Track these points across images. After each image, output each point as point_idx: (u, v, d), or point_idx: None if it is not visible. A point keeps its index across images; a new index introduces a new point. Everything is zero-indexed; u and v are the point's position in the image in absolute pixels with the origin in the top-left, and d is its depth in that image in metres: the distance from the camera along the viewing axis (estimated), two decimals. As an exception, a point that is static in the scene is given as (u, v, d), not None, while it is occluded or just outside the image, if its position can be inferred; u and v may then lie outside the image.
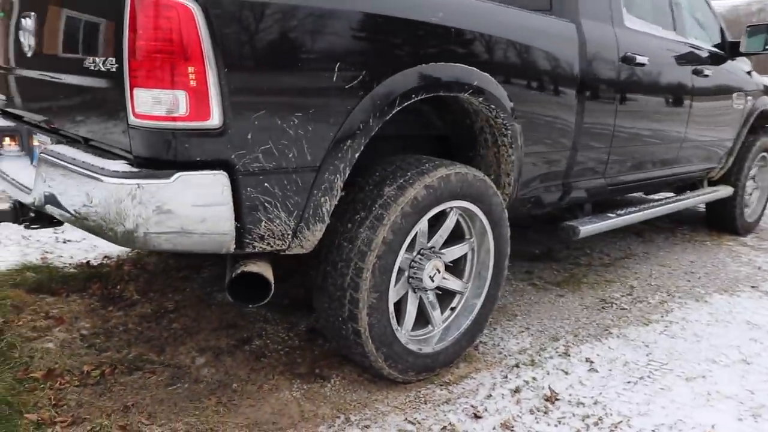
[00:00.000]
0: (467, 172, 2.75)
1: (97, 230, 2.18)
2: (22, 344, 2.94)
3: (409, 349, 2.74)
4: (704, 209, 6.11)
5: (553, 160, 3.42)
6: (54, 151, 2.40)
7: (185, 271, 4.05)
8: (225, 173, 2.10)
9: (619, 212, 4.11)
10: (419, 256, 2.77)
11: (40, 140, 2.84)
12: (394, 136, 3.14)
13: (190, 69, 2.00)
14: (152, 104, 2.04)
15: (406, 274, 2.76)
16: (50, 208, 2.47)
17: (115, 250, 4.39)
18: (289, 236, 2.33)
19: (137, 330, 3.23)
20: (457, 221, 2.92)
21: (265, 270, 2.38)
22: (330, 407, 2.61)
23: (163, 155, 2.08)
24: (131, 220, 2.06)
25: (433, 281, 2.81)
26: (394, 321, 2.67)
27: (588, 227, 3.71)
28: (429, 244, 2.81)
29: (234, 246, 2.21)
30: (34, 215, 2.89)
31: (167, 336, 3.17)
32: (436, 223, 2.85)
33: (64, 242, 4.54)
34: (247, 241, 2.24)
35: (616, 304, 3.89)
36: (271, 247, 2.32)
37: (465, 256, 3.03)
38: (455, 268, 3.02)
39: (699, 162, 5.06)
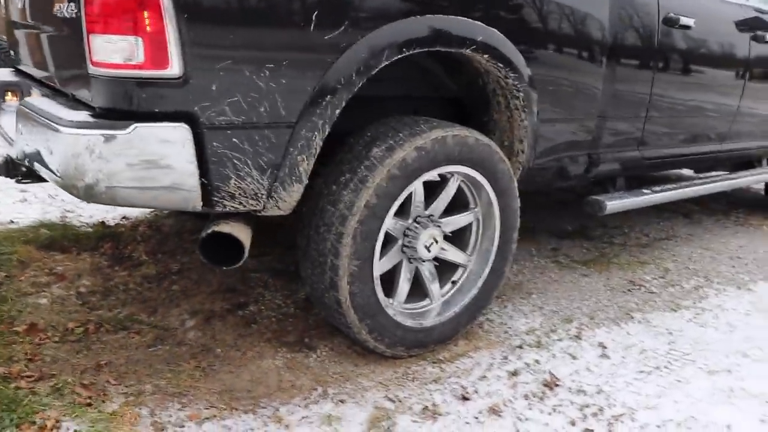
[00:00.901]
0: (467, 135, 2.55)
1: (63, 185, 2.09)
2: (16, 299, 2.93)
3: (397, 322, 2.58)
4: (765, 191, 5.68)
5: (576, 128, 3.17)
6: (29, 103, 2.33)
7: (199, 233, 3.98)
8: (187, 126, 1.98)
9: (655, 189, 3.80)
10: (415, 223, 2.60)
11: (34, 95, 2.79)
12: (401, 96, 2.96)
13: (146, 14, 1.87)
14: (109, 51, 1.93)
15: (400, 242, 2.59)
16: (28, 162, 2.41)
17: (133, 211, 4.37)
18: (264, 196, 2.20)
19: (136, 290, 3.18)
20: (461, 190, 2.73)
21: (239, 231, 2.26)
22: (310, 378, 2.49)
23: (122, 105, 1.97)
24: (90, 175, 1.96)
25: (429, 251, 2.63)
26: (380, 291, 2.51)
27: (616, 203, 3.44)
28: (427, 212, 2.63)
29: (201, 203, 2.10)
30: (25, 170, 2.85)
31: (164, 297, 3.10)
32: (436, 189, 2.68)
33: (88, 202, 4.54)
34: (216, 199, 2.12)
35: (644, 287, 3.62)
36: (244, 206, 2.19)
37: (469, 226, 2.84)
38: (459, 239, 2.83)
39: (757, 138, 4.66)
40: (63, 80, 2.46)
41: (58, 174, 2.05)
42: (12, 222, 3.96)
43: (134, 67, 1.91)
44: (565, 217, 4.70)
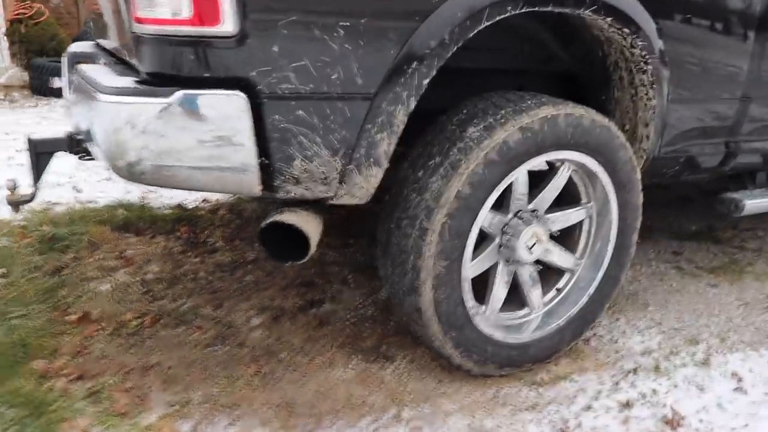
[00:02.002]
0: (583, 114, 2.11)
1: (107, 163, 1.83)
2: (78, 283, 2.73)
3: (488, 336, 2.19)
4: None
5: (713, 112, 2.65)
6: (81, 70, 2.09)
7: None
8: (243, 94, 1.66)
9: (805, 188, 3.20)
10: (516, 219, 2.19)
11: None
12: (504, 70, 2.55)
13: (193, -45, 1.57)
14: (152, 3, 1.63)
15: (497, 241, 2.19)
16: (80, 135, 2.18)
17: (216, 195, 4.15)
18: (335, 181, 1.86)
19: (206, 279, 2.93)
20: (571, 180, 2.30)
21: (306, 222, 1.93)
22: (384, 395, 2.14)
23: (169, 70, 1.69)
24: (131, 150, 1.68)
25: (531, 253, 2.22)
26: (469, 298, 2.12)
27: (757, 202, 2.89)
28: (530, 207, 2.22)
29: (260, 187, 1.78)
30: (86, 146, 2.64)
31: (234, 289, 2.84)
32: (542, 180, 2.26)
33: (172, 182, 4.37)
34: (278, 183, 1.79)
35: (788, 303, 3.05)
36: (312, 193, 1.86)
37: (580, 225, 2.40)
38: (566, 239, 2.40)
39: None
40: (122, 46, 2.21)
41: (101, 149, 1.79)
42: (92, 201, 3.82)
43: (181, 22, 1.62)
44: (689, 216, 4.12)
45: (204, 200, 4.03)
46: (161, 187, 1.80)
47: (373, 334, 2.51)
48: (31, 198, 2.57)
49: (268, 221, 1.90)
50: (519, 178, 2.11)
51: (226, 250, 3.27)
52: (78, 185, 4.08)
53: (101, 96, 1.69)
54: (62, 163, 4.45)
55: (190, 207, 3.87)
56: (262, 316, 2.59)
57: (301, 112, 1.73)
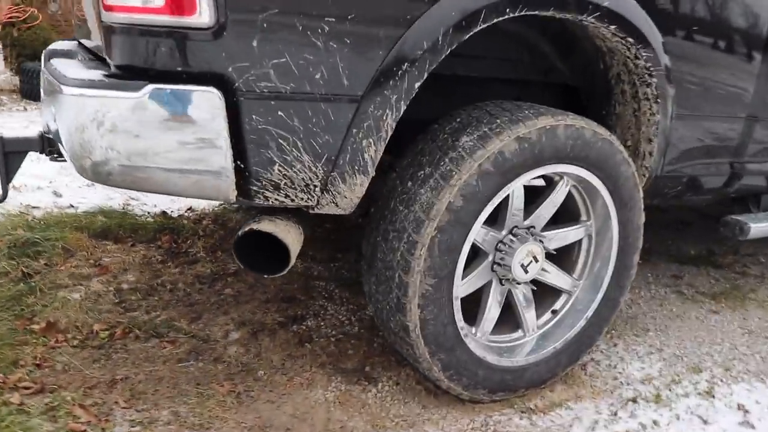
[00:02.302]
0: (584, 126, 1.99)
1: (72, 162, 1.70)
2: (47, 291, 2.59)
3: (479, 358, 2.05)
4: None
5: (718, 132, 2.53)
6: (50, 64, 1.96)
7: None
8: (218, 91, 1.54)
9: (810, 212, 3.08)
10: (510, 236, 2.06)
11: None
12: (500, 80, 2.44)
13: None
14: (122, -11, 1.51)
15: (490, 258, 2.06)
16: (49, 133, 2.05)
17: (199, 203, 4.01)
18: (317, 189, 1.73)
19: (184, 291, 2.79)
20: (570, 196, 2.18)
21: (286, 232, 1.80)
22: (365, 420, 2.00)
23: (139, 62, 1.56)
24: (95, 148, 1.55)
25: (526, 272, 2.09)
26: (459, 319, 1.99)
27: (762, 226, 2.76)
28: (526, 223, 2.09)
29: (235, 193, 1.65)
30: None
31: (213, 302, 2.69)
32: (539, 196, 2.14)
33: (157, 190, 4.23)
34: (255, 189, 1.66)
35: (793, 332, 2.92)
36: (291, 200, 1.73)
37: (578, 244, 2.27)
38: (564, 258, 2.27)
39: None
40: (101, 41, 2.08)
41: (66, 147, 1.66)
42: (71, 206, 3.68)
43: (153, 11, 1.49)
44: (687, 239, 4.00)
45: (189, 209, 3.89)
46: (129, 189, 1.67)
47: (356, 353, 2.36)
48: (2, 199, 2.43)
49: (244, 229, 1.77)
50: (515, 191, 1.98)
51: (207, 261, 3.13)
52: (58, 190, 3.94)
53: (65, 89, 1.57)
54: (43, 166, 4.34)
55: (174, 216, 3.73)
56: (241, 331, 2.45)
57: (281, 113, 1.61)
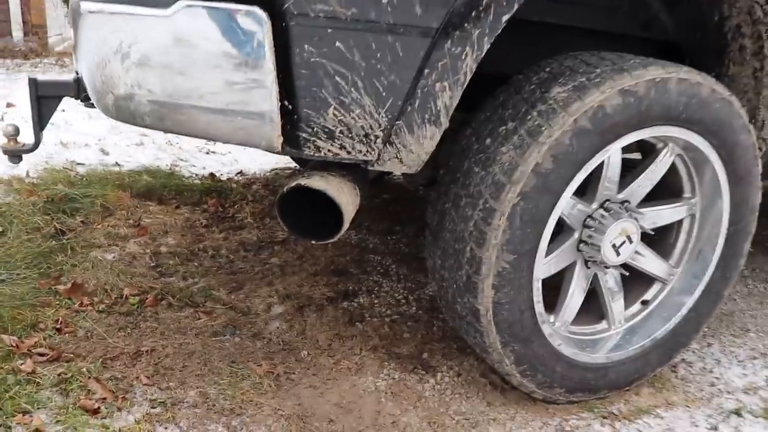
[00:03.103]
0: (700, 82, 1.65)
1: (93, 96, 1.46)
2: (80, 250, 2.38)
3: (557, 352, 1.75)
4: None
5: None
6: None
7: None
8: (263, 12, 1.26)
9: None
10: (602, 210, 1.74)
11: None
12: (592, 34, 2.11)
13: None
14: None
15: (576, 235, 1.75)
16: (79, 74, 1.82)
17: (251, 165, 3.79)
18: (379, 140, 1.44)
19: (227, 258, 2.56)
20: (674, 168, 1.84)
21: (338, 190, 1.52)
22: (420, 416, 1.72)
23: (172, -26, 1.29)
24: (118, 79, 1.30)
25: (618, 254, 1.77)
26: (539, 304, 1.69)
27: None
28: (620, 196, 1.77)
29: (281, 140, 1.38)
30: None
31: (257, 272, 2.45)
32: (636, 163, 1.82)
33: (207, 153, 4.03)
34: (305, 136, 1.39)
35: None
36: (348, 152, 1.45)
37: (678, 224, 1.94)
38: (659, 240, 1.94)
39: None
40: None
41: (86, 79, 1.42)
42: (117, 165, 3.50)
43: None
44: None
45: (239, 172, 3.68)
46: (156, 129, 1.42)
47: (413, 337, 2.09)
48: (33, 148, 2.22)
49: (290, 185, 1.50)
50: (612, 156, 1.66)
51: (254, 227, 2.89)
52: (106, 148, 3.76)
53: (83, 5, 1.32)
54: (93, 124, 4.19)
55: (223, 179, 3.51)
56: (285, 305, 2.20)
57: (339, 44, 1.32)
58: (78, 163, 3.43)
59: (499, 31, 1.42)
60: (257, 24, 1.25)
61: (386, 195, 3.36)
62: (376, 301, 2.29)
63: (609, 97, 1.52)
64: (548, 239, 1.62)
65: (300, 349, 1.96)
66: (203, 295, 2.19)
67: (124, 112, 1.34)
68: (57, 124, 4.17)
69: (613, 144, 1.60)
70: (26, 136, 2.07)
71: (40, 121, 2.20)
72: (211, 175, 3.50)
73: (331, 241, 1.54)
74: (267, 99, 1.31)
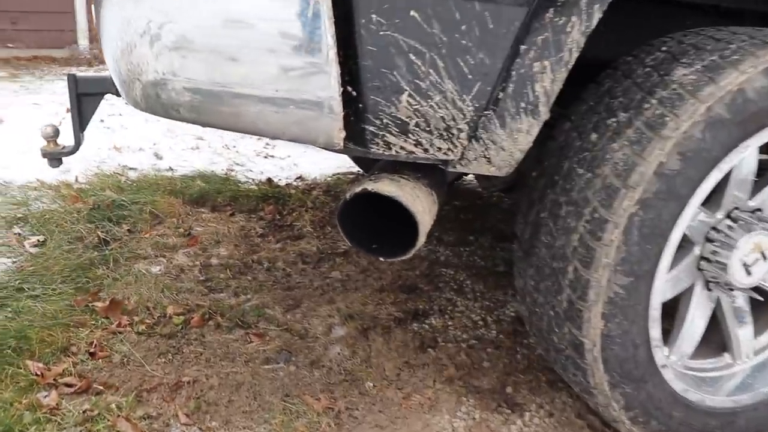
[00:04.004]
0: None
1: (120, 86, 1.24)
2: (123, 261, 2.18)
3: (674, 394, 1.43)
4: None
5: None
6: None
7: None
8: (322, -25, 1.00)
9: None
10: (728, 220, 1.42)
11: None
12: (713, 7, 1.79)
13: None
14: None
15: (696, 251, 1.43)
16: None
17: (313, 170, 3.56)
18: (462, 135, 1.17)
19: (283, 271, 2.32)
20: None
21: (413, 197, 1.25)
22: (508, 468, 1.43)
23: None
24: (146, 60, 1.07)
25: (749, 274, 1.44)
26: (656, 337, 1.38)
27: None
28: (752, 203, 1.44)
29: (342, 135, 1.12)
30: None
31: (316, 287, 2.21)
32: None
33: (265, 157, 3.83)
34: (373, 129, 1.13)
35: None
36: (425, 150, 1.18)
37: (820, 238, 1.59)
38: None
39: None
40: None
41: (110, 65, 1.20)
42: (170, 169, 3.32)
43: None
44: None
45: (299, 177, 3.45)
46: (190, 123, 1.18)
47: (494, 366, 1.80)
48: (73, 150, 2.04)
49: (355, 190, 1.24)
50: (748, 154, 1.34)
51: (313, 237, 2.65)
52: (160, 152, 3.59)
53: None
54: (149, 128, 4.05)
55: (281, 184, 3.29)
56: (347, 327, 1.94)
57: (414, 13, 1.06)
58: (130, 168, 3.27)
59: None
60: (313, -9, 1.00)
61: (457, 201, 3.07)
62: (450, 323, 2.01)
63: (751, 78, 1.21)
64: (671, 257, 1.31)
65: (364, 380, 1.70)
66: (255, 314, 1.96)
67: (152, 101, 1.11)
68: (112, 128, 4.05)
69: (754, 137, 1.28)
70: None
71: (81, 120, 2.02)
72: (269, 180, 3.29)
73: (403, 258, 1.28)
74: (325, 83, 1.06)
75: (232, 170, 3.45)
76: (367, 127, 1.13)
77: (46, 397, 1.43)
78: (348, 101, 1.10)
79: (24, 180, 2.95)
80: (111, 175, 3.05)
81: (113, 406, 1.43)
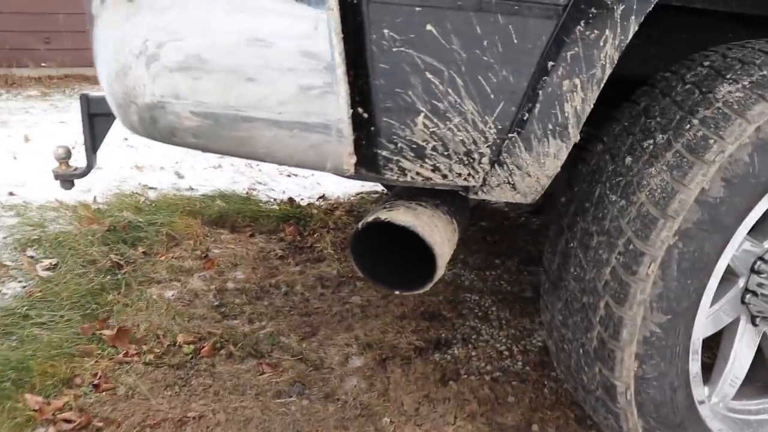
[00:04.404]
0: None
1: (115, 108, 1.17)
2: (138, 285, 2.12)
3: (719, 441, 1.32)
4: None
5: None
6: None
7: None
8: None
9: None
10: (776, 252, 1.31)
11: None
12: (734, 20, 1.68)
13: None
14: None
15: (741, 283, 1.32)
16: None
17: (335, 189, 3.49)
18: (484, 159, 1.08)
19: (302, 296, 2.23)
20: None
21: (430, 226, 1.16)
22: None
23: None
24: (144, 83, 1.00)
25: (799, 309, 1.32)
26: (697, 379, 1.26)
27: None
28: (801, 232, 1.33)
29: (353, 160, 1.03)
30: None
31: (335, 313, 2.12)
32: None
33: (288, 176, 3.76)
34: (386, 154, 1.04)
35: None
36: (443, 176, 1.09)
37: None
38: None
39: None
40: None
41: (103, 84, 1.13)
42: (191, 189, 3.27)
43: None
44: None
45: (321, 197, 3.37)
46: (182, 146, 1.10)
47: (519, 401, 1.69)
48: (85, 172, 1.98)
49: (368, 219, 1.15)
50: (799, 179, 1.23)
51: (334, 259, 2.56)
52: (181, 171, 3.55)
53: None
54: (170, 146, 4.01)
55: (303, 204, 3.21)
56: (364, 357, 1.85)
57: (430, 27, 0.97)
58: (150, 188, 3.22)
59: (652, 6, 1.04)
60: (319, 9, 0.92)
61: (483, 222, 2.97)
62: (473, 354, 1.90)
63: (806, 95, 1.10)
64: (713, 293, 1.20)
65: (381, 415, 1.60)
66: (270, 342, 1.87)
67: (144, 122, 1.04)
68: (136, 146, 4.02)
69: (807, 161, 1.17)
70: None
71: (93, 141, 1.97)
72: (290, 200, 3.21)
73: (420, 291, 1.18)
74: (333, 105, 0.97)
75: (253, 189, 3.39)
76: (379, 151, 1.04)
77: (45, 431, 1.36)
78: (359, 124, 1.01)
79: (44, 200, 2.92)
80: (130, 195, 3.01)
81: (115, 444, 1.35)
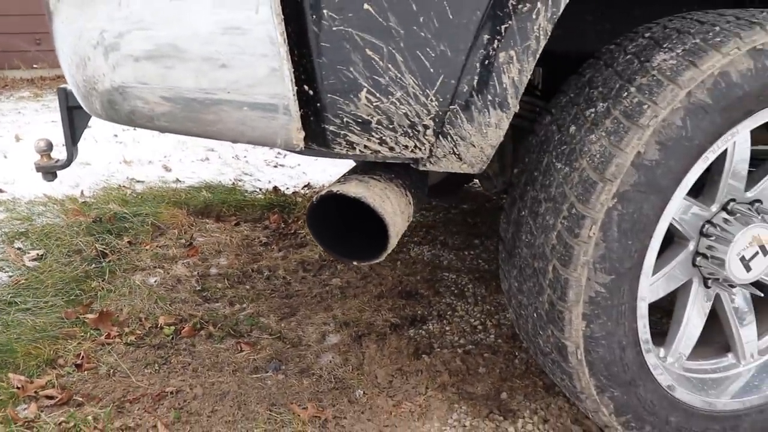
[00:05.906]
0: None
1: (77, 92, 1.22)
2: (122, 272, 2.17)
3: (670, 397, 1.37)
4: None
5: None
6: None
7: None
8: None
9: None
10: (724, 213, 1.36)
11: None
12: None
13: None
14: None
15: (691, 246, 1.37)
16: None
17: (322, 178, 3.54)
18: (428, 131, 1.13)
19: (283, 279, 2.29)
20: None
21: (379, 196, 1.21)
22: (497, 478, 1.38)
23: None
24: (94, 62, 1.04)
25: (748, 269, 1.37)
26: (645, 337, 1.31)
27: None
28: (749, 194, 1.38)
29: (301, 135, 1.08)
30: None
31: (314, 294, 2.17)
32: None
33: (275, 166, 3.81)
34: (333, 129, 1.09)
35: None
36: (390, 149, 1.14)
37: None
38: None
39: None
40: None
41: (65, 69, 1.18)
42: (177, 181, 3.32)
43: None
44: None
45: (306, 185, 3.42)
46: (154, 129, 1.15)
47: (490, 372, 1.74)
48: (66, 164, 2.03)
49: (321, 193, 1.20)
50: (738, 141, 1.28)
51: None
52: (169, 164, 3.60)
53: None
54: (160, 141, 4.06)
55: (288, 192, 3.27)
56: (341, 334, 1.90)
57: (368, 6, 1.02)
58: (137, 181, 3.27)
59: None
60: (258, -18, 0.96)
61: (465, 205, 3.02)
62: (447, 329, 1.96)
63: (735, 60, 1.15)
64: (656, 253, 1.25)
65: (354, 388, 1.65)
66: (249, 323, 1.93)
67: (121, 112, 1.09)
68: (125, 142, 4.08)
69: (741, 124, 1.22)
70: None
71: (73, 133, 2.01)
72: (275, 189, 3.27)
73: (375, 261, 1.23)
74: (278, 83, 1.02)
75: (239, 180, 3.44)
76: (327, 126, 1.09)
77: (24, 410, 1.42)
78: (305, 101, 1.06)
79: (33, 196, 2.97)
80: (117, 188, 3.06)
81: (90, 418, 1.40)
